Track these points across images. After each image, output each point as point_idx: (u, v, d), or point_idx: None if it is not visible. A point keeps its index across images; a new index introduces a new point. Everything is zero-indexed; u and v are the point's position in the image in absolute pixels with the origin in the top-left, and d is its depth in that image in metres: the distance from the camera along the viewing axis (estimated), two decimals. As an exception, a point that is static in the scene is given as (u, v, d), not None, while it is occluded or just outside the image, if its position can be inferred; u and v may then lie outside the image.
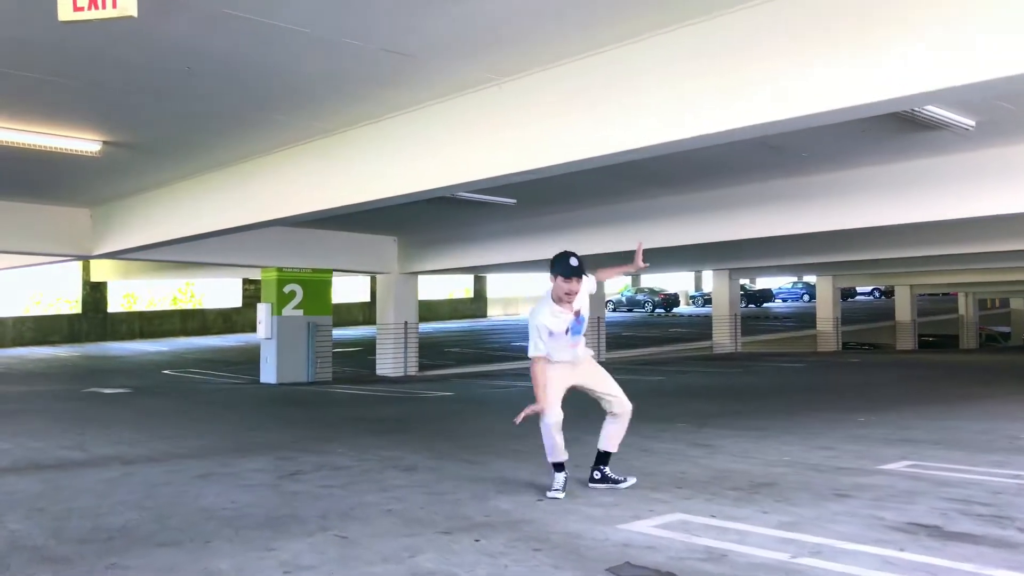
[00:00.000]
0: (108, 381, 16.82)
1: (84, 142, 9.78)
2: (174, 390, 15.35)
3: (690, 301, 53.85)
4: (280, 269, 17.16)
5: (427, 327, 37.65)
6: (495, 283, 46.12)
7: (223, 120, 9.13)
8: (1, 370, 21.06)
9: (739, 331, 27.69)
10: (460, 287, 45.83)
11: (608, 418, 5.68)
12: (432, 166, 8.36)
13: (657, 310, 46.92)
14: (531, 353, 5.39)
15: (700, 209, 13.88)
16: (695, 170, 12.03)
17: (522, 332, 30.00)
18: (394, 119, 8.73)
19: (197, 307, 36.87)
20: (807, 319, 34.81)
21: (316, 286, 17.66)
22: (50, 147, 9.78)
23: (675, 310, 47.52)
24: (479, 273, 40.27)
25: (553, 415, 5.37)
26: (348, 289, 37.79)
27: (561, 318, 5.32)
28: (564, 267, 5.25)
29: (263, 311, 17.29)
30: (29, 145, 9.62)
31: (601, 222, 15.35)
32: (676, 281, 53.96)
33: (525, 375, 17.56)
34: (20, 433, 8.73)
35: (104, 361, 24.21)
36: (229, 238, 15.27)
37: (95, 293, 32.64)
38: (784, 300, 52.50)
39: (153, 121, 9.23)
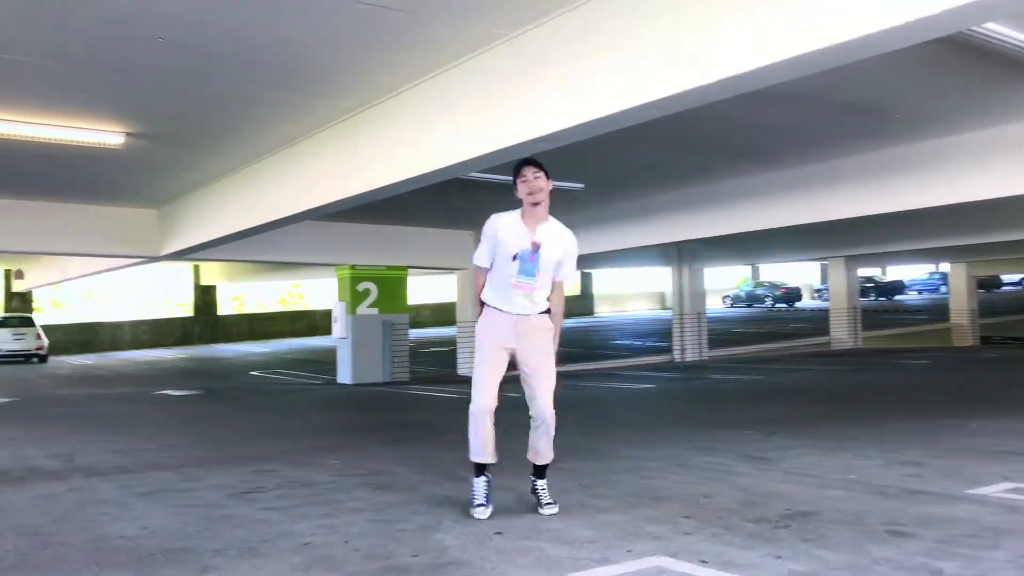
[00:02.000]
0: (186, 383, 16.72)
1: (106, 134, 9.37)
2: (242, 392, 15.02)
3: (815, 295, 50.82)
4: (353, 267, 16.64)
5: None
6: (602, 279, 44.82)
7: (237, 103, 8.47)
8: (102, 372, 21.53)
9: (859, 325, 25.50)
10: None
11: (531, 423, 4.63)
12: (451, 138, 7.43)
13: (778, 305, 44.43)
14: (474, 260, 4.69)
15: (799, 186, 12.32)
16: (784, 141, 10.60)
17: (629, 330, 29.11)
18: (412, 90, 7.85)
19: (304, 308, 37.32)
20: (942, 311, 31.90)
21: (391, 284, 17.06)
22: (73, 140, 9.42)
23: (797, 304, 44.87)
24: (582, 269, 39.15)
25: (482, 398, 4.46)
26: (446, 287, 37.33)
27: (517, 234, 4.45)
28: (516, 167, 4.54)
29: (338, 310, 16.84)
30: (51, 139, 9.27)
31: (689, 205, 14.01)
32: (799, 274, 51.15)
33: (613, 375, 16.50)
34: (31, 440, 8.34)
35: (202, 363, 24.51)
36: (300, 235, 14.87)
37: (205, 296, 33.41)
38: (920, 292, 48.88)
39: (170, 108, 8.70)
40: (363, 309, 16.55)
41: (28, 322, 26.58)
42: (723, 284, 46.66)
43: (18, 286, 28.62)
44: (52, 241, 14.69)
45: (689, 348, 21.89)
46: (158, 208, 14.71)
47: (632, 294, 46.43)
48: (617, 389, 13.91)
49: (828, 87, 7.98)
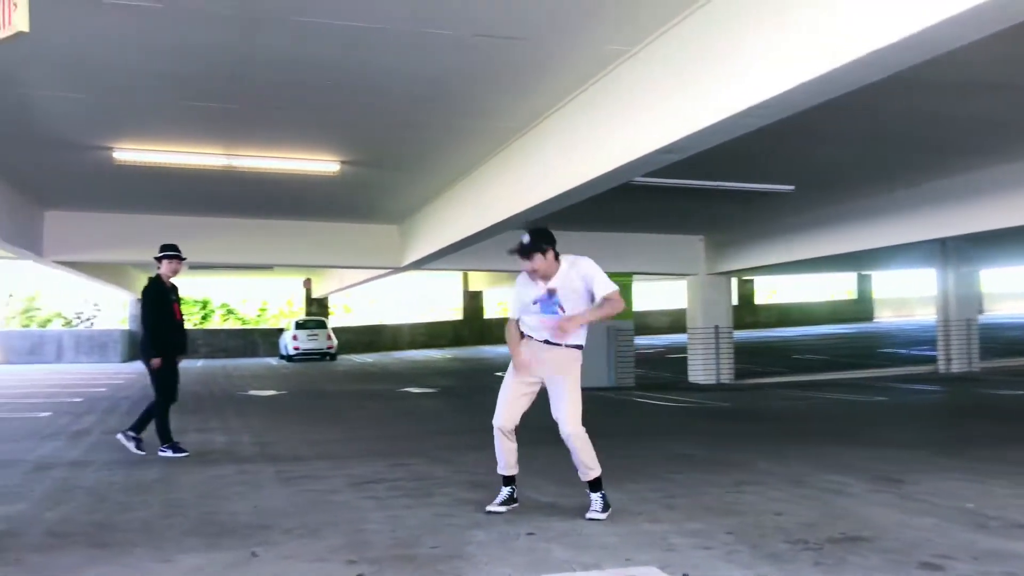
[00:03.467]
0: (432, 382, 18.19)
1: (323, 163, 10.66)
2: (473, 391, 16.06)
3: None
4: (578, 274, 17.15)
5: (788, 332, 35.39)
6: (883, 282, 41.62)
7: (420, 130, 9.34)
8: (372, 370, 23.90)
9: None
10: (841, 288, 42.16)
11: None
12: (596, 150, 7.70)
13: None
14: (510, 315, 5.20)
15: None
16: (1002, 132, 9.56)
17: (903, 336, 26.84)
18: (563, 110, 8.25)
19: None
20: None
21: (616, 290, 17.32)
22: (295, 170, 10.84)
23: None
24: (858, 271, 36.71)
25: (498, 417, 4.96)
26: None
27: (531, 289, 4.93)
28: (511, 251, 4.92)
29: (565, 316, 17.42)
30: (277, 170, 10.75)
31: (932, 202, 12.83)
32: None
33: (859, 386, 15.56)
34: (257, 428, 9.76)
35: (462, 363, 26.34)
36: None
37: (473, 302, 35.75)
38: None
39: (371, 138, 9.77)
40: (588, 315, 16.97)
41: (321, 324, 30.12)
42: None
43: (315, 292, 32.52)
44: (315, 255, 16.78)
45: (956, 358, 19.91)
46: (399, 224, 16.23)
47: (918, 298, 42.60)
48: (844, 401, 13.16)
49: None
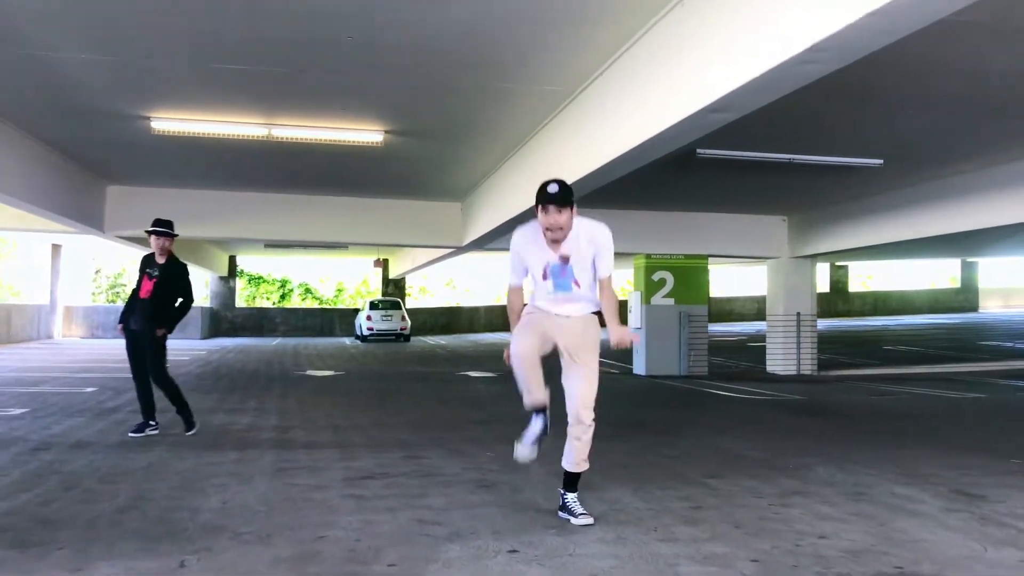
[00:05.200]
0: (495, 365, 17.54)
1: (366, 133, 10.14)
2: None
3: None
4: (649, 256, 16.25)
5: (883, 321, 33.56)
6: (991, 270, 39.02)
7: (464, 95, 8.71)
8: (441, 353, 23.50)
9: None
10: (944, 276, 39.74)
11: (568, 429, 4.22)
12: (638, 115, 6.90)
13: None
14: (509, 282, 4.42)
15: None
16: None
17: (1016, 329, 25.06)
18: (608, 72, 7.49)
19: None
20: None
21: (689, 273, 16.34)
22: (339, 140, 10.34)
23: None
24: (963, 258, 34.46)
25: (518, 344, 4.13)
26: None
27: (535, 250, 4.14)
28: (539, 194, 4.04)
29: (633, 300, 16.57)
30: (319, 140, 10.26)
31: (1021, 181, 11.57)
32: None
33: (954, 380, 14.26)
34: (294, 411, 9.32)
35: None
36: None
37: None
38: None
39: (414, 105, 9.17)
40: (657, 299, 16.07)
41: (396, 305, 29.92)
42: None
43: (391, 274, 32.35)
44: (379, 232, 16.34)
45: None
46: (461, 201, 15.63)
47: (1031, 287, 39.92)
48: (933, 398, 11.97)
49: None
